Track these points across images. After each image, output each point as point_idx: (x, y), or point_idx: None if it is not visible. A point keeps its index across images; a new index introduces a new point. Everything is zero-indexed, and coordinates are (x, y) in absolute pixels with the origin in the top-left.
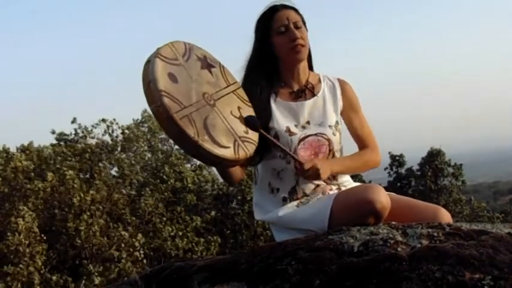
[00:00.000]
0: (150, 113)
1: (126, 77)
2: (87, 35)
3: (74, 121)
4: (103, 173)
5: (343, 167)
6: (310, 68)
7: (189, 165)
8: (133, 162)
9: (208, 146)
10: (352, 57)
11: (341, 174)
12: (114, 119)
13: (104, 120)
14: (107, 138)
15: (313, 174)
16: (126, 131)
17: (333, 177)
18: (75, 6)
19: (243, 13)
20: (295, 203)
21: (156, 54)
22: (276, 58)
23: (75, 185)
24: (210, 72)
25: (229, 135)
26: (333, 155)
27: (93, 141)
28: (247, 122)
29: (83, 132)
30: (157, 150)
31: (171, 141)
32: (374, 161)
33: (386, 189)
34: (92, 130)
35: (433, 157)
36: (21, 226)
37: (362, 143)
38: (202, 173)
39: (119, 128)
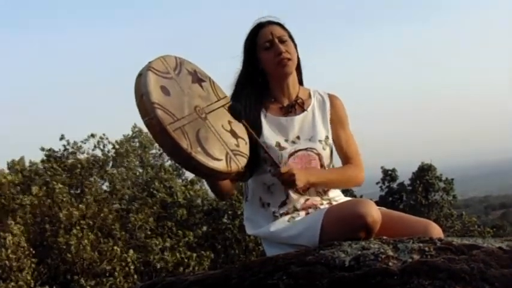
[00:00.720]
0: (141, 128)
1: (115, 93)
2: (75, 48)
3: (62, 138)
4: (93, 188)
5: (322, 179)
6: (300, 82)
7: (180, 180)
8: (125, 177)
9: (202, 158)
10: (340, 71)
11: (331, 189)
12: (104, 134)
13: (93, 136)
14: (97, 152)
15: (288, 179)
16: (117, 146)
17: (324, 192)
18: (64, 15)
19: (234, 28)
20: (286, 217)
21: (148, 67)
22: (265, 74)
23: (64, 199)
24: (201, 86)
25: (222, 148)
26: (318, 169)
27: (83, 157)
28: (233, 109)
29: (72, 147)
30: (148, 165)
31: (163, 155)
32: (356, 177)
33: (378, 203)
34: (81, 146)
35: (424, 172)
36: (9, 241)
37: (346, 159)
38: (194, 187)
39: (109, 143)
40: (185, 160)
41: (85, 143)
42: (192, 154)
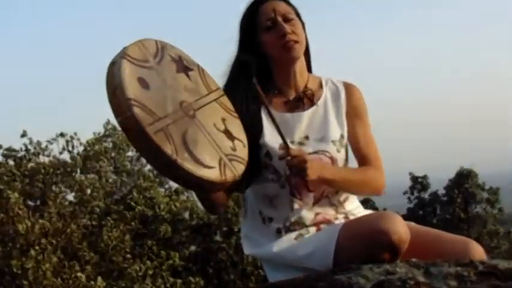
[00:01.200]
0: (115, 124)
1: (83, 84)
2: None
3: (24, 134)
4: (58, 199)
5: (337, 177)
6: (309, 69)
7: (162, 190)
8: (96, 185)
9: (189, 166)
10: (366, 50)
11: (348, 200)
12: (76, 133)
13: (62, 135)
14: (65, 156)
15: (298, 165)
16: (88, 147)
17: (340, 203)
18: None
19: (228, 4)
20: (292, 235)
21: (123, 54)
22: (266, 60)
23: (21, 212)
24: (188, 76)
25: (214, 152)
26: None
27: (47, 160)
28: (242, 62)
29: (35, 148)
30: (123, 170)
31: (141, 159)
32: (377, 182)
33: (406, 218)
34: (46, 147)
35: (463, 179)
36: None
37: (364, 160)
38: (179, 198)
39: (81, 144)
40: (169, 168)
41: (52, 144)
42: (178, 161)
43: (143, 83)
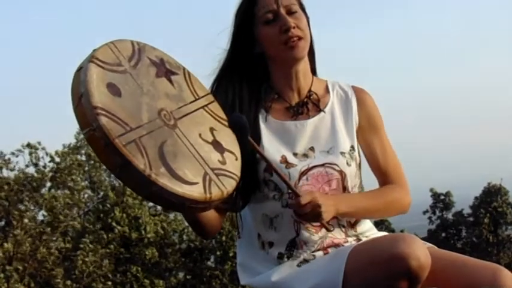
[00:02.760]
0: None
1: (53, 90)
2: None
3: None
4: (25, 219)
5: (355, 207)
6: (313, 71)
7: (147, 208)
8: (69, 202)
9: (166, 182)
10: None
11: (361, 221)
12: (39, 143)
13: (29, 146)
14: (31, 170)
15: (312, 212)
16: (58, 159)
17: (351, 225)
18: None
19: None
20: (295, 261)
21: (91, 58)
22: (265, 58)
23: None
24: (170, 81)
25: (197, 166)
26: (348, 193)
27: (11, 174)
28: (232, 122)
29: None
30: (100, 186)
31: None
32: (401, 202)
33: (426, 240)
34: (9, 159)
35: (492, 196)
36: None
37: (384, 177)
38: (167, 218)
39: (47, 154)
40: (142, 186)
41: (17, 156)
42: (152, 177)
43: (114, 89)
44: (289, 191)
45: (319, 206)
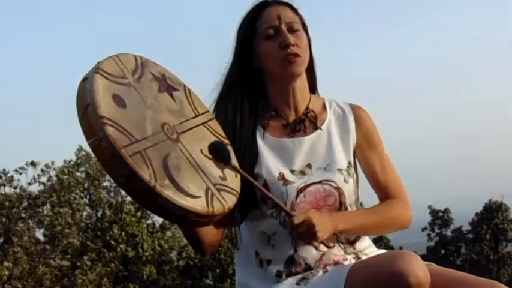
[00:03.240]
0: (88, 151)
1: (53, 103)
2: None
3: None
4: (25, 237)
5: (354, 223)
6: (312, 90)
7: (145, 225)
8: (69, 220)
9: (171, 194)
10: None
11: (360, 238)
12: (53, 162)
13: (33, 164)
14: (34, 188)
15: (307, 231)
16: (63, 176)
17: (349, 242)
18: None
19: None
20: (294, 279)
21: (96, 69)
22: (263, 75)
23: None
24: (172, 96)
25: (200, 181)
26: (346, 210)
27: (13, 191)
28: (213, 149)
29: (0, 177)
30: (99, 203)
31: (122, 191)
32: (403, 217)
33: (425, 257)
34: (13, 177)
35: (492, 213)
36: None
37: (385, 193)
38: (165, 236)
39: (48, 167)
40: (147, 197)
41: (20, 173)
42: (157, 188)
43: (119, 100)
44: (283, 211)
45: (313, 226)
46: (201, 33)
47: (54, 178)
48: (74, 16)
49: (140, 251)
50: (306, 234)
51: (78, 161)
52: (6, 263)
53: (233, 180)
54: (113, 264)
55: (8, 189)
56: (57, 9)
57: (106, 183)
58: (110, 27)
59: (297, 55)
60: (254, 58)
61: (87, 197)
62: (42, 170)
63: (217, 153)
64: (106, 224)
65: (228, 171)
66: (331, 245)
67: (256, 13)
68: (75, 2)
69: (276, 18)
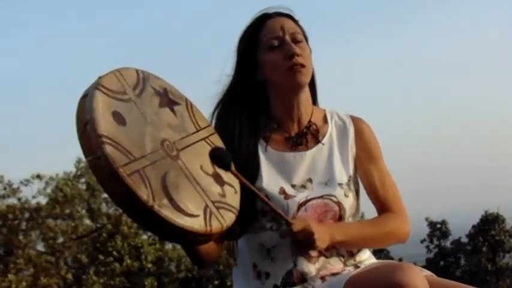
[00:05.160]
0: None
1: (52, 115)
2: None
3: None
4: (26, 249)
5: (351, 235)
6: (314, 102)
7: (145, 237)
8: (71, 235)
9: (168, 214)
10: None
11: (360, 251)
12: (57, 175)
13: (39, 177)
14: (40, 200)
15: (306, 239)
16: (66, 188)
17: (350, 254)
18: None
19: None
20: None
21: (97, 85)
22: (266, 87)
23: None
24: (173, 111)
25: (198, 199)
26: (344, 222)
27: (16, 202)
28: (214, 155)
29: (5, 188)
30: (99, 215)
31: None
32: (400, 232)
33: (425, 269)
34: (19, 188)
35: (489, 225)
36: None
37: (383, 206)
38: (164, 248)
39: (57, 182)
40: (144, 217)
41: (26, 185)
42: (155, 208)
43: (119, 118)
44: (273, 219)
45: (312, 234)
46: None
47: (57, 190)
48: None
49: (144, 262)
50: (305, 242)
51: (78, 173)
52: (10, 275)
53: (232, 198)
54: (118, 279)
55: (11, 201)
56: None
57: (106, 195)
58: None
59: (302, 65)
60: (257, 70)
61: (87, 208)
62: (46, 183)
63: (217, 158)
64: (104, 235)
65: (228, 188)
66: (329, 255)
67: (258, 25)
68: None
69: (279, 29)
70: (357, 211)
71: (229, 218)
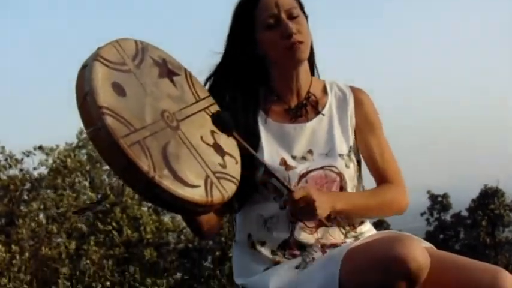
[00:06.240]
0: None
1: (54, 85)
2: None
3: None
4: (28, 220)
5: (351, 205)
6: (312, 72)
7: (145, 208)
8: (72, 202)
9: (169, 184)
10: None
11: (361, 223)
12: (57, 146)
13: (41, 148)
14: (41, 171)
15: (306, 207)
16: (67, 159)
17: (352, 226)
18: None
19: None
20: (292, 262)
21: (96, 56)
22: (264, 60)
23: None
24: (172, 82)
25: (199, 169)
26: (345, 191)
27: (18, 173)
28: (216, 118)
29: (6, 160)
30: (100, 186)
31: None
32: (398, 202)
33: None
34: (22, 159)
35: (488, 198)
36: None
37: (382, 177)
38: (164, 219)
39: (58, 153)
40: (145, 187)
41: (28, 156)
42: (156, 179)
43: (118, 89)
44: (275, 191)
45: (313, 201)
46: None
47: (58, 161)
48: None
49: (143, 233)
50: (306, 210)
51: (80, 143)
52: (13, 246)
53: (233, 168)
54: (118, 249)
55: (13, 172)
56: None
57: (107, 166)
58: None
59: (300, 42)
60: (256, 46)
61: (88, 180)
62: (47, 154)
63: (220, 121)
64: (107, 206)
65: (229, 159)
66: (329, 225)
67: (253, 1)
68: None
69: (274, 6)
70: (359, 183)
71: (230, 188)
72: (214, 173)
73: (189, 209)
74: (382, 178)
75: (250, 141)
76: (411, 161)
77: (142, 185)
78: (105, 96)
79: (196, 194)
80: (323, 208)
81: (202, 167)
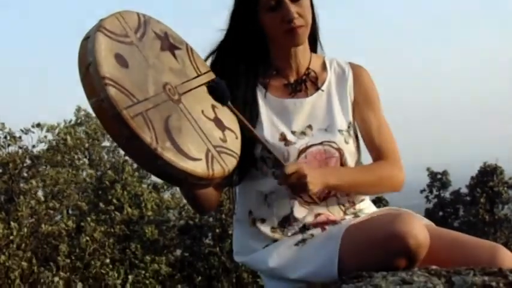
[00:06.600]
0: (88, 111)
1: (51, 62)
2: None
3: None
4: (27, 197)
5: (345, 180)
6: (313, 49)
7: (145, 186)
8: (71, 179)
9: (171, 156)
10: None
11: (360, 200)
12: (58, 124)
13: (39, 126)
14: (38, 149)
15: (298, 183)
16: (67, 136)
17: (350, 204)
18: None
19: None
20: (291, 241)
21: (99, 27)
22: (265, 37)
23: None
24: (174, 55)
25: (201, 143)
26: (338, 166)
27: (17, 150)
28: (212, 88)
29: (6, 137)
30: (98, 164)
31: (121, 151)
32: (394, 179)
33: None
34: (21, 137)
35: (487, 176)
36: None
37: (378, 153)
38: (163, 196)
39: (59, 133)
40: (147, 159)
41: (26, 133)
42: (158, 151)
43: (121, 60)
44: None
45: (305, 177)
46: None
47: (57, 138)
48: None
49: (144, 210)
50: (297, 185)
51: (78, 121)
52: (12, 223)
53: (233, 143)
54: (119, 227)
55: (12, 149)
56: None
57: (106, 143)
58: None
59: (300, 27)
60: (257, 24)
61: (88, 157)
62: (47, 130)
63: (215, 91)
64: (107, 183)
65: (229, 133)
66: (319, 202)
67: None
68: None
69: None
70: (359, 159)
71: (230, 162)
72: (215, 146)
73: (190, 182)
74: (378, 154)
75: (248, 115)
76: (414, 137)
77: (144, 157)
78: (108, 67)
79: (197, 167)
80: (314, 183)
81: (203, 141)
